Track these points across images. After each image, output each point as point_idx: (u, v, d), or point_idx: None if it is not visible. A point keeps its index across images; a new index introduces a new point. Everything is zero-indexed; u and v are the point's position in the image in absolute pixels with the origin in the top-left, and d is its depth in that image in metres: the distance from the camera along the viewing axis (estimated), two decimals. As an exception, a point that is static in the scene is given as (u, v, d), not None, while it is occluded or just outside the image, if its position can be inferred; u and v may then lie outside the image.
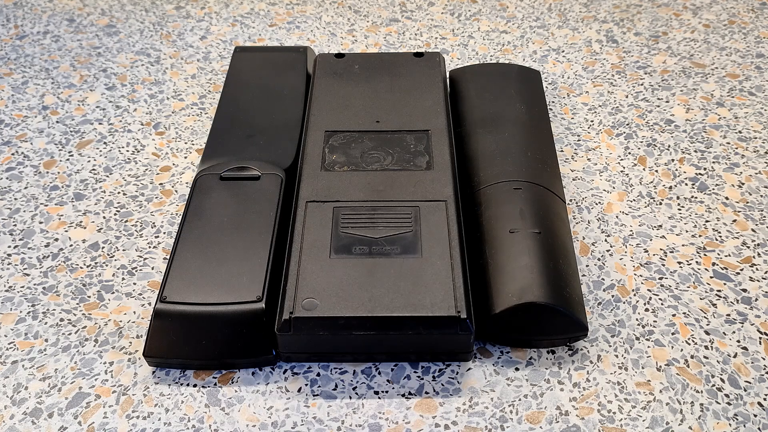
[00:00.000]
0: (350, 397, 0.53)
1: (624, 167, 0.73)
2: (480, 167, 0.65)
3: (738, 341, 0.57)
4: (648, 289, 0.61)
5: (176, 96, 0.84)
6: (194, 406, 0.53)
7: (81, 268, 0.63)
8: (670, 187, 0.70)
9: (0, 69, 0.88)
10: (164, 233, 0.66)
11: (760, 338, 0.57)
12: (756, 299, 0.60)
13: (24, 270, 0.63)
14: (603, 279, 0.62)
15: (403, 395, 0.53)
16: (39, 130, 0.78)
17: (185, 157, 0.75)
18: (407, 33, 0.95)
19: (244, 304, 0.53)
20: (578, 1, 1.00)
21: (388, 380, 0.54)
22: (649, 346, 0.56)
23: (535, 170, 0.64)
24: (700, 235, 0.65)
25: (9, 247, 0.65)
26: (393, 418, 0.52)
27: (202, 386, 0.54)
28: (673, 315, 0.59)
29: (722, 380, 0.54)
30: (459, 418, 0.52)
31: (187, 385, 0.54)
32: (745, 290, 0.61)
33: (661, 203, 0.69)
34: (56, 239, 0.66)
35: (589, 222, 0.67)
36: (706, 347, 0.56)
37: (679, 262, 0.63)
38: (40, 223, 0.67)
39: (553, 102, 0.82)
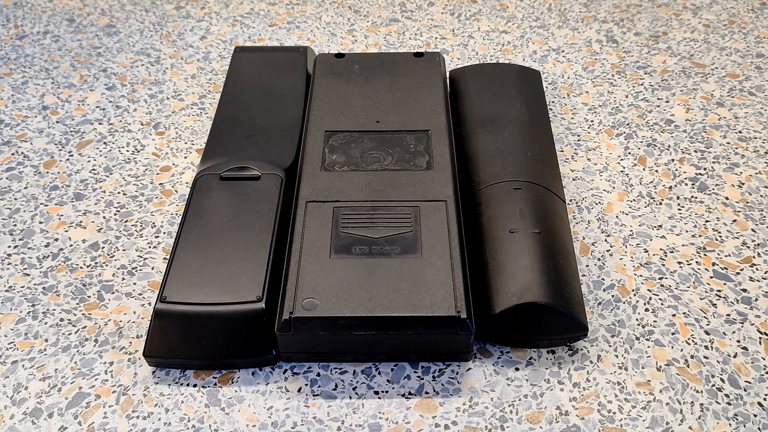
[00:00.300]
0: (350, 397, 0.53)
1: (624, 167, 0.73)
2: (480, 167, 0.65)
3: (738, 341, 0.57)
4: (648, 289, 0.61)
5: (176, 96, 0.84)
6: (194, 406, 0.53)
7: (81, 268, 0.63)
8: (670, 187, 0.70)
9: (0, 69, 0.88)
10: (164, 233, 0.66)
11: (760, 338, 0.57)
12: (756, 299, 0.60)
13: (24, 270, 0.63)
14: (603, 279, 0.62)
15: (403, 395, 0.53)
16: (39, 130, 0.78)
17: (185, 157, 0.75)
18: (407, 33, 0.95)
19: (244, 304, 0.53)
20: (578, 1, 1.00)
21: (388, 380, 0.54)
22: (649, 346, 0.56)
23: (535, 170, 0.64)
24: (700, 235, 0.65)
25: (9, 247, 0.65)
26: (393, 418, 0.52)
27: (202, 386, 0.54)
28: (673, 315, 0.59)
29: (722, 380, 0.54)
30: (459, 418, 0.52)
31: (187, 385, 0.54)
32: (745, 290, 0.61)
33: (661, 203, 0.69)
34: (56, 239, 0.66)
35: (589, 222, 0.67)
36: (706, 347, 0.56)
37: (679, 262, 0.63)
38: (40, 223, 0.67)
39: (553, 102, 0.82)
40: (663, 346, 0.56)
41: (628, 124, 0.78)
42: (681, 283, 0.61)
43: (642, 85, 0.84)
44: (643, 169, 0.72)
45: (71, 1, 1.02)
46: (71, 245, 0.65)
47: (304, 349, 0.54)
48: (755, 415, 0.52)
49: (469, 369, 0.55)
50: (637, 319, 0.58)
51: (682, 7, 0.99)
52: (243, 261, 0.56)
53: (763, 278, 0.61)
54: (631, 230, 0.66)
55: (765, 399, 0.53)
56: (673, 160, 0.74)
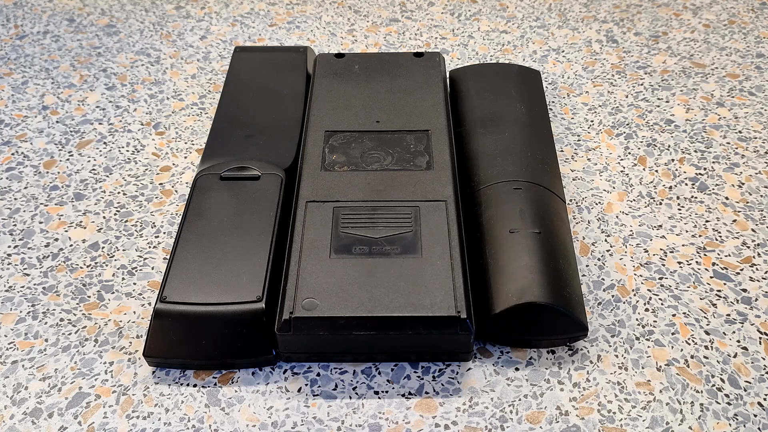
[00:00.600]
0: (350, 397, 0.53)
1: (624, 167, 0.73)
2: (480, 167, 0.65)
3: (738, 341, 0.57)
4: (648, 289, 0.61)
5: (176, 96, 0.84)
6: (194, 406, 0.53)
7: (81, 268, 0.63)
8: (670, 187, 0.70)
9: (0, 69, 0.88)
10: (164, 233, 0.66)
11: (760, 338, 0.57)
12: (756, 299, 0.60)
13: (24, 270, 0.63)
14: (603, 279, 0.62)
15: (403, 395, 0.53)
16: (39, 130, 0.78)
17: (185, 157, 0.75)
18: (407, 33, 0.95)
19: (244, 304, 0.53)
20: (578, 1, 1.00)
21: (388, 380, 0.54)
22: (649, 346, 0.56)
23: (535, 170, 0.64)
24: (700, 235, 0.65)
25: (9, 247, 0.65)
26: (393, 418, 0.52)
27: (202, 386, 0.54)
28: (673, 315, 0.59)
29: (722, 380, 0.54)
30: (459, 418, 0.52)
31: (187, 385, 0.54)
32: (745, 290, 0.61)
33: (661, 203, 0.69)
34: (56, 239, 0.66)
35: (589, 222, 0.67)
36: (706, 347, 0.56)
37: (679, 262, 0.63)
38: (40, 223, 0.67)
39: (553, 102, 0.82)
40: (663, 346, 0.56)
41: (628, 124, 0.78)
42: (681, 283, 0.61)
43: (642, 85, 0.84)
44: (643, 169, 0.72)
45: (71, 1, 1.02)
46: (71, 245, 0.65)
47: (304, 349, 0.54)
48: (755, 415, 0.52)
49: (469, 369, 0.55)
50: (637, 319, 0.58)
51: (682, 7, 0.99)
52: (243, 261, 0.56)
53: (763, 278, 0.61)
54: (631, 230, 0.66)
55: (765, 399, 0.53)
56: (673, 160, 0.74)
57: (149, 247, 0.65)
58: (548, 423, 0.51)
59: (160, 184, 0.72)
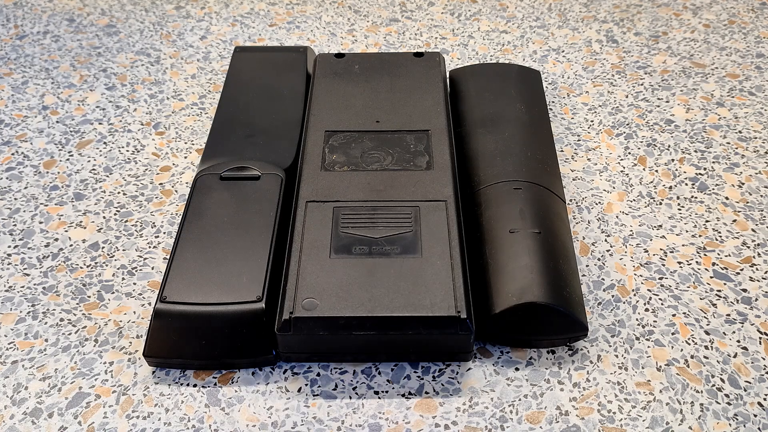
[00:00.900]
0: (350, 397, 0.53)
1: (624, 167, 0.73)
2: (480, 167, 0.65)
3: (738, 341, 0.57)
4: (648, 289, 0.61)
5: (176, 96, 0.84)
6: (194, 406, 0.53)
7: (81, 268, 0.63)
8: (670, 187, 0.70)
9: (0, 69, 0.88)
10: (164, 233, 0.66)
11: (760, 338, 0.57)
12: (756, 299, 0.60)
13: (24, 270, 0.63)
14: (603, 279, 0.62)
15: (403, 395, 0.53)
16: (39, 130, 0.78)
17: (185, 157, 0.75)
18: (407, 33, 0.95)
19: (244, 304, 0.53)
20: (578, 1, 1.00)
21: (388, 380, 0.54)
22: (649, 346, 0.56)
23: (535, 170, 0.64)
24: (700, 235, 0.65)
25: (9, 247, 0.65)
26: (393, 418, 0.52)
27: (202, 386, 0.54)
28: (673, 315, 0.59)
29: (722, 380, 0.54)
30: (459, 418, 0.52)
31: (187, 385, 0.54)
32: (745, 290, 0.61)
33: (661, 203, 0.69)
34: (56, 239, 0.66)
35: (589, 222, 0.67)
36: (706, 347, 0.56)
37: (679, 262, 0.63)
38: (40, 223, 0.67)
39: (553, 102, 0.82)
40: (663, 346, 0.56)
41: (628, 124, 0.78)
42: (681, 283, 0.61)
43: (642, 85, 0.84)
44: (643, 169, 0.72)
45: (71, 1, 1.02)
46: (71, 245, 0.65)
47: (304, 349, 0.54)
48: (755, 415, 0.52)
49: (469, 369, 0.55)
50: (637, 319, 0.58)
51: (682, 7, 0.99)
52: (243, 261, 0.56)
53: (763, 278, 0.61)
54: (631, 230, 0.66)
55: (765, 399, 0.53)
56: (673, 160, 0.74)
57: (149, 247, 0.65)
58: (548, 423, 0.51)
59: (160, 184, 0.72)
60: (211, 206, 0.61)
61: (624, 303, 0.60)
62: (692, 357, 0.55)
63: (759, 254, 0.63)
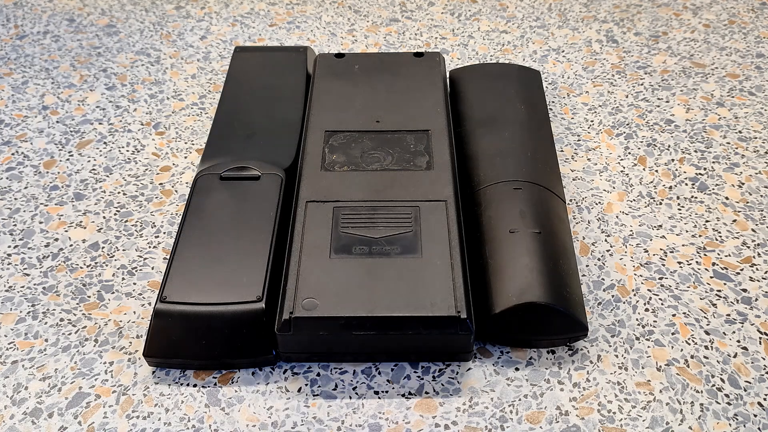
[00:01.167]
0: (350, 397, 0.53)
1: (624, 167, 0.73)
2: (480, 167, 0.65)
3: (738, 341, 0.57)
4: (648, 289, 0.61)
5: (176, 96, 0.84)
6: (194, 406, 0.53)
7: (81, 268, 0.63)
8: (670, 187, 0.70)
9: (0, 69, 0.88)
10: (164, 233, 0.66)
11: (760, 338, 0.57)
12: (756, 299, 0.60)
13: (24, 270, 0.63)
14: (603, 279, 0.62)
15: (403, 395, 0.53)
16: (39, 130, 0.78)
17: (185, 157, 0.75)
18: (407, 33, 0.95)
19: (244, 304, 0.53)
20: (578, 1, 1.00)
21: (388, 380, 0.54)
22: (649, 346, 0.56)
23: (535, 170, 0.64)
24: (700, 235, 0.65)
25: (9, 247, 0.65)
26: (393, 418, 0.52)
27: (202, 386, 0.54)
28: (673, 315, 0.59)
29: (722, 380, 0.54)
30: (459, 418, 0.52)
31: (187, 385, 0.54)
32: (745, 290, 0.61)
33: (661, 203, 0.69)
34: (56, 239, 0.66)
35: (589, 222, 0.67)
36: (706, 347, 0.56)
37: (679, 262, 0.63)
38: (40, 223, 0.67)
39: (553, 102, 0.82)
40: (663, 346, 0.56)
41: (628, 124, 0.78)
42: (681, 283, 0.61)
43: (642, 85, 0.84)
44: (643, 169, 0.72)
45: (71, 1, 1.02)
46: (71, 245, 0.65)
47: (304, 349, 0.54)
48: (755, 415, 0.52)
49: (469, 369, 0.55)
50: (637, 319, 0.58)
51: (682, 7, 0.99)
52: (243, 261, 0.56)
53: (763, 278, 0.61)
54: (631, 230, 0.66)
55: (765, 399, 0.53)
56: (673, 160, 0.74)
57: (149, 247, 0.65)
58: (548, 423, 0.51)
59: (160, 184, 0.72)
60: (211, 206, 0.61)
61: (624, 303, 0.60)
62: (692, 357, 0.55)
63: (759, 254, 0.63)
